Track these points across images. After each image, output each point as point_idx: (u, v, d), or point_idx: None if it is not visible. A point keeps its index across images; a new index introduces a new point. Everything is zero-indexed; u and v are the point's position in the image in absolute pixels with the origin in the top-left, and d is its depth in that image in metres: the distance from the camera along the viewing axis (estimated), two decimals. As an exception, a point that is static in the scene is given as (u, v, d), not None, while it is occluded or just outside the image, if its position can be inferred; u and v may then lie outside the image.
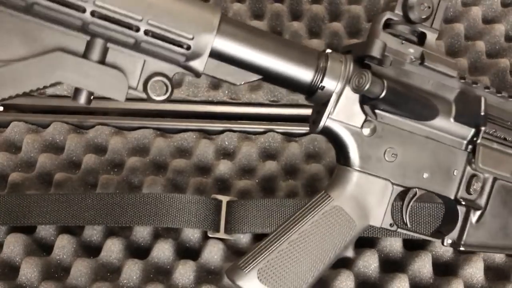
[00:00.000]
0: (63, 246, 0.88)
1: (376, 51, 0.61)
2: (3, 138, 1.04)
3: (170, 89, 0.55)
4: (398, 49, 0.64)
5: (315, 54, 0.62)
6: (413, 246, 0.89)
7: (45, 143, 1.03)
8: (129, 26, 0.51)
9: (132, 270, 0.84)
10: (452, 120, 0.68)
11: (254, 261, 0.60)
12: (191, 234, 0.91)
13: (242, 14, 1.10)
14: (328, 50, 0.63)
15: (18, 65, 0.49)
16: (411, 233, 0.73)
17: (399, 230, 0.69)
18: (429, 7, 0.62)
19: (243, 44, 0.57)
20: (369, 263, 0.86)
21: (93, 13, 0.49)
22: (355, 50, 0.65)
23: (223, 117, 1.06)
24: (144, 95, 0.55)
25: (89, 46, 0.52)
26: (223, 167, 1.00)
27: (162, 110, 1.07)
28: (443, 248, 0.89)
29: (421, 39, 0.66)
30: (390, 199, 0.67)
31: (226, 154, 1.04)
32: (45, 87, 0.50)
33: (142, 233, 0.91)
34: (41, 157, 1.00)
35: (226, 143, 1.04)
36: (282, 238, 0.61)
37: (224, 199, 0.89)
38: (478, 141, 0.69)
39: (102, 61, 0.52)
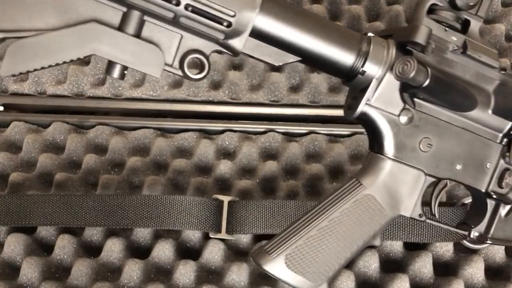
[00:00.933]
0: (64, 246, 0.88)
1: (421, 38, 0.59)
2: (3, 138, 1.04)
3: (207, 68, 0.53)
4: (440, 36, 0.63)
5: (357, 38, 0.60)
6: (413, 246, 0.89)
7: (46, 143, 1.03)
8: (167, 1, 0.48)
9: (133, 270, 0.84)
10: (490, 112, 0.66)
11: (282, 246, 0.59)
12: (192, 234, 0.91)
13: (243, 14, 1.10)
14: (370, 34, 0.61)
15: (52, 35, 0.46)
16: (439, 224, 0.71)
17: (427, 220, 0.68)
18: None
19: (285, 24, 0.55)
20: (370, 263, 0.86)
21: None
22: (397, 35, 0.63)
23: (223, 117, 1.06)
24: (180, 72, 0.53)
25: (125, 18, 0.49)
26: (224, 167, 1.00)
27: (162, 110, 1.07)
28: (444, 248, 0.89)
29: (464, 26, 0.64)
30: (422, 189, 0.66)
31: (227, 154, 1.04)
32: (78, 59, 0.48)
33: (142, 233, 0.91)
34: (41, 157, 1.00)
35: (227, 143, 1.04)
36: (311, 224, 0.60)
37: (226, 199, 0.89)
38: None
39: (137, 35, 0.50)
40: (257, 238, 0.91)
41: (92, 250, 0.91)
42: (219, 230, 0.88)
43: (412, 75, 0.57)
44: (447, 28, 0.63)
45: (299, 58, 0.58)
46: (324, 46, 0.57)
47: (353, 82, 0.62)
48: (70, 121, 1.05)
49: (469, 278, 0.86)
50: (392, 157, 0.64)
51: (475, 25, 0.64)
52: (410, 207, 0.66)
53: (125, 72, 0.51)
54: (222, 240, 0.89)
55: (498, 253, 0.89)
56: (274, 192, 0.98)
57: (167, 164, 1.01)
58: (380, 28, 1.08)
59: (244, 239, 0.91)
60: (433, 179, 0.67)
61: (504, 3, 1.11)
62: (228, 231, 0.88)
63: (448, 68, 0.64)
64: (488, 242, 0.71)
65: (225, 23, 0.51)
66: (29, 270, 0.84)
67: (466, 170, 0.67)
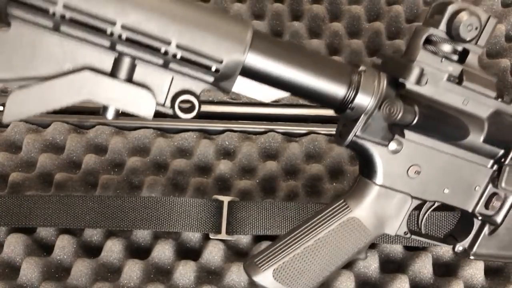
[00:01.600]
0: (64, 246, 0.88)
1: (412, 77, 0.60)
2: (3, 138, 1.04)
3: (197, 108, 0.54)
4: (436, 67, 0.62)
5: (348, 71, 0.59)
6: (413, 247, 0.89)
7: (45, 143, 1.03)
8: (157, 49, 0.50)
9: (133, 270, 0.84)
10: (481, 140, 0.66)
11: (271, 261, 0.64)
12: (192, 235, 0.91)
13: (243, 14, 1.10)
14: (362, 67, 0.60)
15: (48, 84, 0.49)
16: (425, 240, 0.72)
17: (413, 237, 0.70)
18: (476, 28, 0.59)
19: (275, 62, 0.55)
20: (370, 263, 0.86)
21: (120, 36, 0.48)
22: (391, 65, 0.63)
23: (223, 117, 1.06)
24: (171, 112, 0.54)
25: (116, 63, 0.51)
26: (224, 167, 1.00)
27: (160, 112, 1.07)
28: (444, 249, 0.89)
29: (462, 56, 0.63)
30: (408, 211, 0.67)
31: (227, 154, 1.04)
32: (74, 104, 0.50)
33: (142, 233, 0.91)
34: (41, 157, 0.99)
35: (227, 143, 1.04)
36: (298, 243, 0.64)
37: (226, 199, 0.89)
38: (506, 162, 0.67)
39: (129, 79, 0.52)
40: (257, 238, 0.91)
41: (92, 251, 0.91)
42: (219, 231, 0.88)
43: (398, 117, 0.57)
44: (443, 59, 0.62)
45: (289, 93, 0.58)
46: (314, 81, 0.57)
47: (344, 114, 0.62)
48: (70, 121, 1.05)
49: (469, 279, 0.86)
50: (380, 184, 0.65)
51: (474, 54, 0.63)
52: (395, 227, 0.67)
53: (120, 112, 0.53)
54: (222, 240, 0.89)
55: (497, 253, 0.89)
56: (274, 192, 0.98)
57: (167, 164, 1.01)
58: (380, 29, 1.08)
59: (244, 239, 0.91)
60: (420, 201, 0.68)
61: (504, 3, 1.11)
62: (228, 232, 0.88)
63: (442, 98, 0.63)
64: (471, 257, 0.72)
65: (213, 69, 0.52)
66: (29, 270, 0.84)
67: (454, 193, 0.68)
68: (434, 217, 0.86)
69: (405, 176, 0.65)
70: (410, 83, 0.60)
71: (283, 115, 1.07)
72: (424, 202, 0.69)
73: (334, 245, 0.64)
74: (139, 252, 0.91)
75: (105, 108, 0.52)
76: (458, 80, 0.63)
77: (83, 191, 0.98)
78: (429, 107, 0.61)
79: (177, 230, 0.88)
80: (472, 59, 0.63)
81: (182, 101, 0.54)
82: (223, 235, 0.88)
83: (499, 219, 0.71)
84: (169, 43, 0.49)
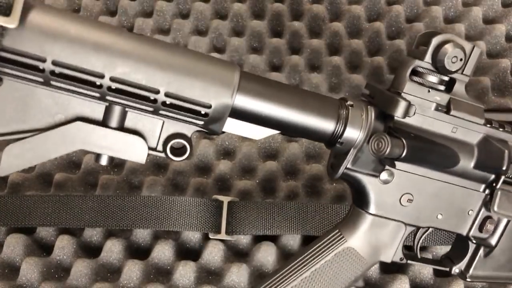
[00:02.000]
0: (63, 246, 0.88)
1: (399, 112, 0.60)
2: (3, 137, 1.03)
3: (188, 150, 0.55)
4: (423, 98, 0.62)
5: (335, 106, 0.60)
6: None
7: (45, 143, 1.03)
8: (146, 98, 0.50)
9: (132, 270, 0.84)
10: (472, 166, 0.66)
11: None
12: (192, 235, 0.91)
13: (242, 14, 1.10)
14: (350, 102, 0.61)
15: (41, 136, 0.50)
16: (421, 264, 0.73)
17: (409, 261, 0.70)
18: (461, 59, 0.60)
19: (263, 102, 0.56)
20: (370, 263, 0.86)
21: (109, 88, 0.49)
22: (379, 99, 0.63)
23: (223, 117, 1.06)
24: (163, 155, 0.55)
25: (107, 112, 0.52)
26: (223, 167, 0.99)
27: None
28: (443, 249, 0.89)
29: (449, 85, 0.64)
30: (402, 238, 0.68)
31: (226, 154, 1.04)
32: (67, 154, 0.52)
33: (142, 233, 0.91)
34: (41, 157, 0.99)
35: (226, 143, 1.04)
36: (295, 274, 0.65)
37: (225, 199, 0.89)
38: (497, 186, 0.67)
39: (121, 126, 0.53)
40: (257, 239, 0.91)
41: (91, 251, 0.90)
42: (218, 231, 0.88)
43: (387, 152, 0.57)
44: (430, 90, 0.62)
45: (279, 131, 0.59)
46: (303, 118, 0.58)
47: (334, 148, 0.63)
48: (69, 121, 1.05)
49: (469, 279, 0.86)
50: (373, 213, 0.66)
51: (461, 83, 0.64)
52: (390, 254, 0.68)
53: (113, 159, 0.54)
54: (221, 240, 0.89)
55: (498, 253, 0.89)
56: (274, 193, 0.98)
57: (167, 164, 1.01)
58: (380, 29, 1.08)
59: (243, 239, 0.91)
60: (414, 228, 0.69)
61: (504, 3, 1.11)
62: (227, 232, 0.88)
63: (430, 128, 0.64)
64: (468, 280, 0.73)
65: (202, 113, 0.53)
66: (29, 271, 0.84)
67: (447, 218, 0.69)
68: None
69: (397, 205, 0.66)
70: (398, 116, 0.61)
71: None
72: (418, 228, 0.70)
73: (331, 275, 0.65)
74: (139, 252, 0.91)
75: (98, 156, 0.53)
76: (446, 109, 0.64)
77: (82, 191, 0.98)
78: (418, 138, 0.62)
79: (176, 229, 0.88)
80: (459, 87, 0.64)
81: (174, 144, 0.55)
82: (223, 235, 0.88)
83: (493, 241, 0.72)
84: (157, 92, 0.50)
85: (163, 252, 0.88)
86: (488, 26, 1.09)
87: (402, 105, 0.60)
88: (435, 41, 0.60)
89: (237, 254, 0.91)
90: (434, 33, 0.61)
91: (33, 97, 0.50)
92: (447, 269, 0.73)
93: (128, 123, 0.54)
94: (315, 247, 0.66)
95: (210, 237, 0.88)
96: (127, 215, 0.87)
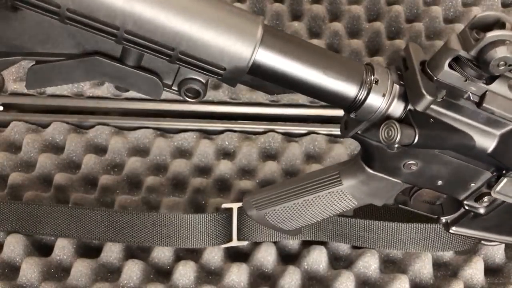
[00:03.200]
0: (63, 246, 0.88)
1: (420, 107, 0.56)
2: (3, 138, 1.04)
3: (202, 94, 0.56)
4: (457, 86, 0.56)
5: (361, 75, 0.57)
6: (413, 247, 0.89)
7: (45, 143, 1.03)
8: (160, 52, 0.50)
9: (133, 270, 0.84)
10: (487, 153, 0.62)
11: (265, 205, 0.75)
12: (192, 235, 0.91)
13: (243, 14, 1.10)
14: (375, 77, 0.57)
15: (62, 63, 0.53)
16: (411, 209, 0.74)
17: (400, 206, 0.73)
18: (509, 65, 0.51)
19: (286, 62, 0.53)
20: (369, 263, 0.86)
21: (125, 39, 0.49)
22: (409, 77, 0.58)
23: (223, 117, 1.06)
24: (177, 94, 0.57)
25: (124, 51, 0.53)
26: (223, 167, 1.00)
27: (162, 110, 1.07)
28: (443, 249, 0.89)
29: (490, 79, 0.57)
30: (397, 192, 0.70)
31: (226, 154, 1.04)
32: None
33: (142, 233, 0.91)
34: (41, 157, 0.99)
35: (226, 143, 1.04)
36: (290, 197, 0.72)
37: (235, 206, 0.87)
38: (507, 174, 0.65)
39: (137, 66, 0.54)
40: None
41: (91, 251, 0.90)
42: (230, 239, 0.87)
43: (397, 141, 0.55)
44: (467, 80, 0.56)
45: (295, 92, 0.57)
46: (325, 81, 0.55)
47: (349, 115, 0.61)
48: (69, 121, 1.05)
49: (469, 279, 0.86)
50: (375, 172, 0.67)
51: (505, 78, 0.57)
52: (382, 201, 0.71)
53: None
54: (222, 240, 0.89)
55: (497, 253, 0.89)
56: (274, 193, 0.98)
57: (167, 164, 1.01)
58: (380, 29, 1.08)
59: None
60: (410, 185, 0.69)
61: (504, 3, 1.11)
62: (239, 238, 0.87)
63: (455, 113, 0.60)
64: (451, 231, 0.75)
65: (216, 73, 0.52)
66: (29, 271, 0.84)
67: (447, 185, 0.68)
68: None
69: (400, 168, 0.66)
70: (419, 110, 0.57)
71: (283, 115, 1.07)
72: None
73: (321, 207, 0.72)
74: (139, 252, 0.91)
75: (118, 87, 0.58)
76: (479, 101, 0.58)
77: (83, 191, 0.98)
78: (436, 124, 0.58)
79: (188, 247, 0.87)
80: (501, 82, 0.57)
81: (189, 87, 0.56)
82: (235, 242, 0.87)
83: (483, 211, 0.73)
84: (172, 50, 0.50)
85: (163, 251, 0.88)
86: (488, 26, 1.09)
87: (425, 102, 0.55)
88: (488, 38, 0.51)
89: (237, 254, 0.91)
90: (493, 24, 0.53)
91: (56, 28, 0.51)
92: (436, 217, 0.75)
93: (144, 64, 0.55)
94: (312, 179, 0.71)
95: (222, 246, 0.87)
96: (137, 232, 0.86)
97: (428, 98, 0.55)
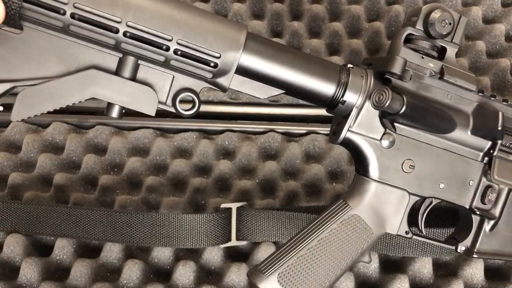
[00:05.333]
0: (63, 246, 0.88)
1: (396, 68, 0.63)
2: (3, 138, 1.04)
3: (197, 105, 0.57)
4: (418, 64, 0.66)
5: (337, 69, 0.63)
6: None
7: (45, 143, 1.03)
8: (159, 46, 0.53)
9: (132, 270, 0.84)
10: (469, 133, 0.68)
11: (275, 265, 0.63)
12: (191, 235, 0.91)
13: (242, 14, 1.10)
14: (350, 65, 0.64)
15: (55, 82, 0.52)
16: (426, 240, 0.73)
17: (414, 237, 0.71)
18: (450, 23, 0.64)
19: (268, 60, 0.58)
20: (370, 263, 0.86)
21: (125, 34, 0.51)
22: (376, 64, 0.67)
23: (223, 117, 1.06)
24: (173, 109, 0.57)
25: (121, 63, 0.54)
26: (223, 167, 1.00)
27: (162, 110, 1.07)
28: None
29: (441, 53, 0.67)
30: (406, 208, 0.68)
31: (226, 154, 1.04)
32: (80, 101, 0.53)
33: (142, 233, 0.91)
34: (41, 157, 0.99)
35: (226, 143, 1.04)
36: (301, 244, 0.64)
37: (234, 206, 0.88)
38: (495, 153, 0.69)
39: (133, 78, 0.55)
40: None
41: (91, 251, 0.91)
42: (229, 239, 0.87)
43: (387, 103, 0.60)
44: (424, 56, 0.66)
45: (283, 91, 0.61)
46: (306, 79, 0.61)
47: (335, 111, 0.65)
48: (69, 121, 1.05)
49: (469, 279, 0.86)
50: (376, 179, 0.66)
51: (451, 51, 0.67)
52: (395, 225, 0.68)
53: (123, 111, 0.55)
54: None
55: (498, 253, 0.89)
56: (273, 193, 0.98)
57: (167, 164, 1.01)
58: (380, 29, 1.08)
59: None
60: (418, 198, 0.69)
61: (504, 3, 1.11)
62: (238, 238, 0.87)
63: (426, 93, 0.67)
64: (475, 256, 0.73)
65: (211, 64, 0.55)
66: (29, 271, 0.84)
67: (449, 188, 0.70)
68: (436, 217, 0.85)
69: (400, 170, 0.67)
70: (395, 79, 0.64)
71: (283, 115, 1.07)
72: (421, 199, 0.70)
73: (338, 244, 0.64)
74: (138, 252, 0.91)
75: (109, 106, 0.55)
76: (440, 75, 0.67)
77: (82, 191, 0.98)
78: (416, 97, 0.65)
79: (187, 247, 0.87)
80: (450, 55, 0.67)
81: (183, 99, 0.57)
82: (234, 242, 0.87)
83: (496, 212, 0.72)
84: (170, 40, 0.52)
85: (162, 251, 0.88)
86: (488, 26, 1.09)
87: (398, 62, 0.63)
88: (425, 9, 0.64)
89: (237, 254, 0.91)
90: (423, 5, 0.66)
91: (51, 46, 0.52)
92: (453, 247, 0.73)
93: (139, 76, 0.56)
94: (321, 217, 0.66)
95: (221, 246, 0.87)
96: (136, 232, 0.86)
97: (400, 58, 0.63)
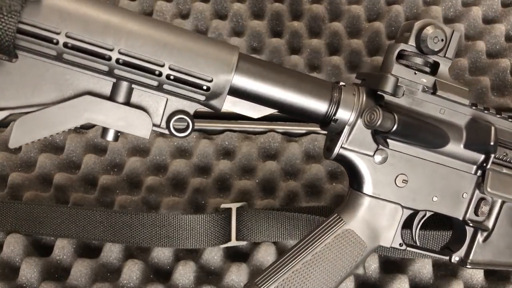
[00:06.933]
0: (63, 246, 0.88)
1: (388, 87, 0.63)
2: (3, 138, 1.04)
3: (191, 126, 0.58)
4: (411, 79, 0.65)
5: (329, 87, 0.63)
6: (413, 247, 0.89)
7: (45, 143, 1.03)
8: (152, 71, 0.53)
9: (132, 270, 0.84)
10: (462, 146, 0.68)
11: (270, 280, 0.64)
12: (191, 235, 0.91)
13: (242, 14, 1.10)
14: (342, 83, 0.64)
15: (51, 109, 0.53)
16: (420, 251, 0.73)
17: (408, 249, 0.71)
18: (442, 40, 0.63)
19: (260, 81, 0.59)
20: (369, 263, 0.86)
21: (118, 61, 0.52)
22: (369, 80, 0.67)
23: (223, 117, 1.06)
24: (167, 132, 0.58)
25: (115, 88, 0.55)
26: (223, 167, 1.00)
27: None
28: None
29: (434, 68, 0.67)
30: (400, 221, 0.69)
31: (226, 154, 1.04)
32: (75, 127, 0.54)
33: (142, 233, 0.91)
34: (41, 157, 0.99)
35: (226, 143, 1.04)
36: (296, 259, 0.65)
37: (233, 206, 0.88)
38: (488, 166, 0.69)
39: (127, 102, 0.56)
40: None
41: (91, 251, 0.90)
42: (229, 239, 0.87)
43: (379, 123, 0.60)
44: (416, 72, 0.66)
45: (276, 110, 0.62)
46: (298, 98, 0.61)
47: (328, 128, 0.65)
48: (69, 121, 1.05)
49: (469, 279, 0.86)
50: (370, 194, 0.67)
51: (444, 66, 0.67)
52: (389, 238, 0.69)
53: (119, 134, 0.56)
54: (221, 240, 0.89)
55: (497, 253, 0.89)
56: (273, 193, 0.98)
57: (167, 164, 1.01)
58: (380, 29, 1.08)
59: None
60: (411, 211, 0.69)
61: (504, 3, 1.11)
62: (238, 238, 0.87)
63: (419, 108, 0.66)
64: (468, 266, 0.73)
65: (204, 87, 0.55)
66: (29, 271, 0.84)
67: (443, 201, 0.70)
68: (430, 228, 0.85)
69: (393, 185, 0.67)
70: (388, 95, 0.64)
71: (283, 115, 1.07)
72: (415, 212, 0.71)
73: (332, 258, 0.65)
74: (138, 252, 0.91)
75: (105, 131, 0.56)
76: (433, 90, 0.66)
77: (82, 191, 0.98)
78: (408, 115, 0.64)
79: (187, 247, 0.87)
80: (443, 70, 0.67)
81: (177, 121, 0.57)
82: (234, 242, 0.87)
83: (490, 224, 0.73)
84: (162, 65, 0.53)
85: (162, 251, 0.88)
86: (488, 26, 1.09)
87: (390, 81, 0.64)
88: (417, 25, 0.64)
89: (236, 254, 0.91)
90: (416, 20, 0.65)
91: (45, 73, 0.52)
92: (447, 257, 0.74)
93: (133, 100, 0.56)
94: (315, 231, 0.67)
95: (221, 246, 0.88)
96: (136, 233, 0.86)
97: (392, 77, 0.64)
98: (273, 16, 1.11)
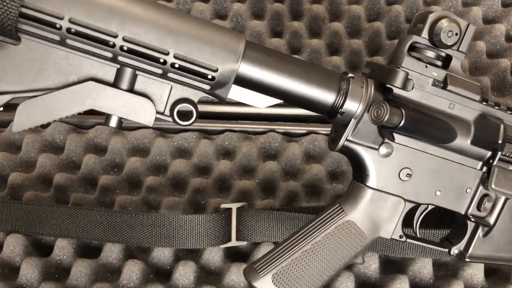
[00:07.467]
0: (63, 246, 0.88)
1: (398, 81, 0.62)
2: (2, 138, 1.04)
3: (195, 115, 0.57)
4: (421, 72, 0.64)
5: (337, 77, 0.62)
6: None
7: (45, 143, 1.03)
8: (156, 59, 0.52)
9: (132, 270, 0.84)
10: (469, 142, 0.67)
11: (269, 266, 0.65)
12: (191, 235, 0.91)
13: (242, 14, 1.10)
14: (350, 74, 0.63)
15: (55, 94, 0.52)
16: (420, 243, 0.73)
17: (408, 240, 0.71)
18: (456, 34, 0.62)
19: (267, 71, 0.57)
20: (370, 263, 0.86)
21: (122, 47, 0.51)
22: (378, 72, 0.66)
23: (223, 117, 1.06)
24: (170, 119, 0.57)
25: (118, 74, 0.54)
26: (223, 167, 0.99)
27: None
28: (443, 249, 0.89)
29: (446, 62, 0.65)
30: (401, 214, 0.69)
31: (226, 154, 1.04)
32: (79, 113, 0.53)
33: (142, 233, 0.91)
34: (41, 157, 0.99)
35: (226, 143, 1.04)
36: (296, 247, 0.65)
37: (234, 206, 0.88)
38: (494, 163, 0.68)
39: (131, 89, 0.55)
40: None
41: (91, 251, 0.90)
42: (229, 239, 0.87)
43: (386, 119, 0.59)
44: (427, 65, 0.64)
45: (282, 100, 0.61)
46: (305, 88, 0.60)
47: (335, 119, 0.64)
48: (69, 121, 1.05)
49: (469, 279, 0.86)
50: (373, 187, 0.66)
51: (457, 59, 0.65)
52: (390, 230, 0.69)
53: (122, 120, 0.56)
54: (222, 240, 0.89)
55: (498, 253, 0.89)
56: (273, 193, 0.98)
57: (167, 164, 1.01)
58: (380, 29, 1.08)
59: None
60: (413, 204, 0.69)
61: (504, 3, 1.11)
62: (238, 239, 0.87)
63: (428, 102, 0.65)
64: (467, 260, 0.73)
65: (209, 77, 0.54)
66: (29, 271, 0.84)
67: (446, 195, 0.70)
68: (429, 223, 0.85)
69: (397, 179, 0.67)
70: (397, 88, 0.63)
71: (283, 115, 1.07)
72: (417, 205, 0.70)
73: (331, 248, 0.66)
74: (138, 252, 0.91)
75: (108, 117, 0.55)
76: (443, 84, 0.65)
77: (82, 191, 0.98)
78: (416, 110, 0.63)
79: (187, 247, 0.86)
80: (455, 64, 0.65)
81: (181, 109, 0.57)
82: (234, 242, 0.87)
83: (491, 220, 0.72)
84: (167, 54, 0.52)
85: (162, 252, 0.88)
86: (488, 26, 1.09)
87: (400, 76, 0.62)
88: (431, 17, 0.62)
89: (237, 254, 0.91)
90: (431, 11, 0.63)
91: (49, 58, 0.52)
92: (446, 249, 0.74)
93: (137, 87, 0.56)
94: (316, 221, 0.67)
95: (222, 246, 0.88)
96: (136, 233, 0.86)
97: (402, 72, 0.62)
98: (273, 16, 1.11)
